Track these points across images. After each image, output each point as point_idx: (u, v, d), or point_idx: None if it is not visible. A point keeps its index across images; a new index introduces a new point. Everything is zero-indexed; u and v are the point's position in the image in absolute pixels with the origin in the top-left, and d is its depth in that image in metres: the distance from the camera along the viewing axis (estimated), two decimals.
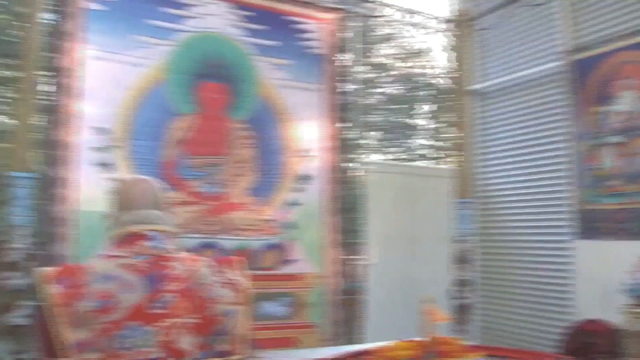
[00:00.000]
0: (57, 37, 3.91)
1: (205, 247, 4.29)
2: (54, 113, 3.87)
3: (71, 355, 1.48)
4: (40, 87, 3.68)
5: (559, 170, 4.70)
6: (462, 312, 4.21)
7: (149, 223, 1.73)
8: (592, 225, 4.27)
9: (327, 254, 4.78)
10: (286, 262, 4.59)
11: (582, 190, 4.34)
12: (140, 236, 1.69)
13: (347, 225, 4.96)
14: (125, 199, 1.77)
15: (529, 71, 5.03)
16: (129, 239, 1.69)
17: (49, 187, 3.81)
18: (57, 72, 3.84)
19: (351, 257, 4.97)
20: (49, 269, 1.62)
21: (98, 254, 1.71)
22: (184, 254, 1.76)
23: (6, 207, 3.28)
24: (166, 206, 1.84)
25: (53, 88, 3.93)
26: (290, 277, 4.59)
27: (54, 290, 1.53)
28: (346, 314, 4.83)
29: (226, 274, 1.76)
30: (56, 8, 3.93)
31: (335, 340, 4.70)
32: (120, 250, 1.67)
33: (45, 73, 3.68)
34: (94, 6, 4.05)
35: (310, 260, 4.68)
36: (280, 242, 4.58)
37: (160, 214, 1.77)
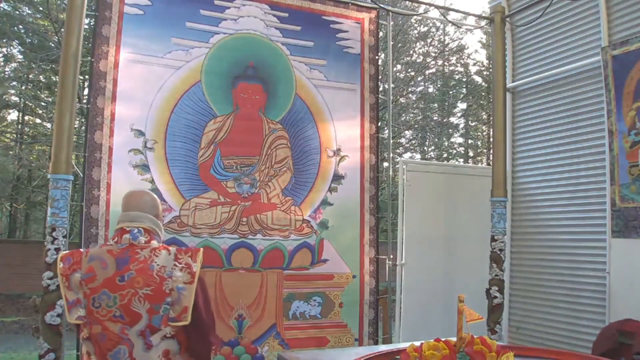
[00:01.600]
0: (95, 42, 4.02)
1: (239, 247, 4.33)
2: (92, 116, 3.97)
3: (69, 309, 2.20)
4: (78, 91, 3.75)
5: (596, 167, 4.60)
6: (495, 311, 4.17)
7: (132, 221, 2.31)
8: (629, 224, 4.16)
9: (360, 254, 4.77)
10: (319, 262, 4.60)
11: (620, 187, 4.23)
12: (124, 231, 2.27)
13: (380, 225, 4.93)
14: (125, 204, 2.39)
15: (567, 67, 4.92)
16: (118, 233, 2.29)
17: (86, 188, 3.92)
18: (95, 75, 3.93)
19: (384, 257, 4.96)
20: (63, 252, 2.32)
21: (101, 243, 2.30)
22: (156, 245, 2.30)
23: (46, 208, 3.37)
24: (159, 212, 2.44)
25: (91, 91, 4.03)
26: (323, 277, 4.60)
27: (61, 266, 2.22)
28: (378, 313, 4.82)
29: (183, 260, 2.24)
30: (95, 13, 4.04)
31: (367, 340, 4.70)
32: (111, 240, 2.30)
33: (84, 77, 3.76)
34: (131, 11, 4.15)
35: (342, 260, 4.68)
36: (314, 242, 4.59)
37: (145, 216, 2.35)
